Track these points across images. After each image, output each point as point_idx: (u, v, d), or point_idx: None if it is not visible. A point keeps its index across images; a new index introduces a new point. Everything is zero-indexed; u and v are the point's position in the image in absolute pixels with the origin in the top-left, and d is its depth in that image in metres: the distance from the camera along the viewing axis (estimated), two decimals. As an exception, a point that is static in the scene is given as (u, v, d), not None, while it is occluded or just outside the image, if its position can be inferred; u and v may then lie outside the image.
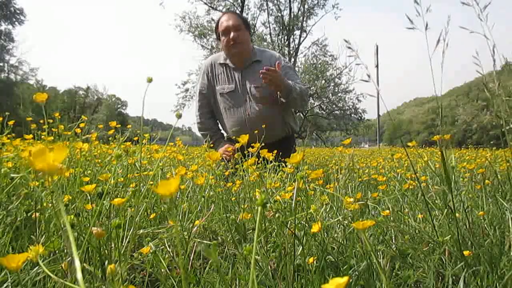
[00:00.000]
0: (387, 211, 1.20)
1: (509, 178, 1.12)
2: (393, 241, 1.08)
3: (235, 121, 2.61)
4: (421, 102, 74.37)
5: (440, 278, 0.90)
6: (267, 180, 1.36)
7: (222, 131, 2.82)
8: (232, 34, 2.54)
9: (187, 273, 0.86)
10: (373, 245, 0.98)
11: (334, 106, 15.74)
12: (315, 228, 0.81)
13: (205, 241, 1.09)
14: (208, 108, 2.75)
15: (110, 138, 2.20)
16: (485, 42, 0.96)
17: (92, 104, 39.08)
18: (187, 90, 15.69)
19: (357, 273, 0.84)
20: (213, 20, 15.42)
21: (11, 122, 1.88)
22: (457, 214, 0.96)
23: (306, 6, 15.64)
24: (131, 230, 0.85)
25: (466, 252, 0.85)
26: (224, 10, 15.22)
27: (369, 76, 0.94)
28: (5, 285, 0.75)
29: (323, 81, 14.97)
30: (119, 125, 1.98)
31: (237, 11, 14.83)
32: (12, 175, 1.09)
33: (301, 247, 0.86)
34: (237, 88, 2.62)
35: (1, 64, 29.70)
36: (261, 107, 2.56)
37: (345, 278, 0.33)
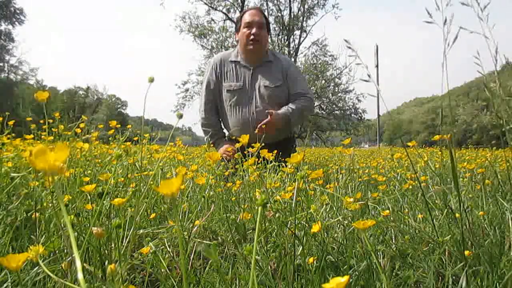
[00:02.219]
0: (387, 211, 1.20)
1: (509, 178, 1.12)
2: (393, 241, 1.08)
3: (239, 119, 2.61)
4: (421, 102, 74.43)
5: (440, 278, 0.90)
6: (267, 180, 1.36)
7: (224, 130, 2.82)
8: (254, 30, 2.54)
9: (187, 273, 0.86)
10: (373, 245, 0.98)
11: (334, 106, 15.71)
12: (315, 228, 0.81)
13: (205, 241, 1.09)
14: (213, 104, 2.74)
15: (110, 138, 2.20)
16: (485, 42, 0.96)
17: (92, 104, 39.07)
18: (187, 90, 15.66)
19: (357, 273, 0.84)
20: (213, 20, 15.39)
21: (11, 122, 1.88)
22: (457, 214, 0.96)
23: (306, 6, 15.63)
24: (131, 230, 0.85)
25: (466, 252, 0.85)
26: (224, 10, 15.21)
27: (369, 76, 0.94)
28: (5, 285, 0.74)
29: (323, 81, 14.95)
30: (119, 125, 1.98)
31: (237, 11, 14.83)
32: (12, 175, 1.09)
33: (301, 247, 0.86)
34: (245, 86, 2.61)
35: (1, 64, 29.72)
36: (266, 107, 2.56)
37: (346, 278, 0.33)
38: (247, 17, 2.59)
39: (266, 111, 2.43)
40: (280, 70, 2.65)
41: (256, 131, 2.37)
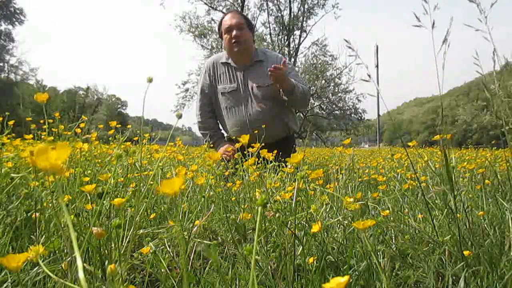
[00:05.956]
0: (387, 211, 1.20)
1: (509, 178, 1.12)
2: (393, 241, 1.08)
3: (236, 120, 2.61)
4: (421, 102, 74.43)
5: (440, 278, 0.90)
6: (267, 180, 1.36)
7: (222, 131, 2.82)
8: (234, 32, 2.54)
9: (187, 272, 0.86)
10: (373, 245, 0.98)
11: (334, 106, 15.73)
12: (315, 228, 0.81)
13: (205, 241, 1.09)
14: (209, 108, 2.74)
15: (110, 138, 2.20)
16: (485, 42, 0.96)
17: (92, 104, 39.02)
18: (187, 90, 15.69)
19: (357, 273, 0.84)
20: (213, 20, 15.42)
21: (11, 122, 1.87)
22: (457, 214, 0.96)
23: (306, 6, 15.63)
24: (131, 230, 0.85)
25: (466, 252, 0.85)
26: (224, 10, 15.22)
27: (369, 75, 0.94)
28: (5, 285, 0.74)
29: (323, 81, 14.97)
30: (119, 125, 1.98)
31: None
32: (12, 175, 1.09)
33: (301, 247, 0.86)
34: (239, 87, 2.62)
35: (1, 64, 29.75)
36: (262, 107, 2.56)
37: (346, 277, 0.33)
38: (226, 23, 2.60)
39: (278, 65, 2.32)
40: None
41: (270, 75, 2.31)
